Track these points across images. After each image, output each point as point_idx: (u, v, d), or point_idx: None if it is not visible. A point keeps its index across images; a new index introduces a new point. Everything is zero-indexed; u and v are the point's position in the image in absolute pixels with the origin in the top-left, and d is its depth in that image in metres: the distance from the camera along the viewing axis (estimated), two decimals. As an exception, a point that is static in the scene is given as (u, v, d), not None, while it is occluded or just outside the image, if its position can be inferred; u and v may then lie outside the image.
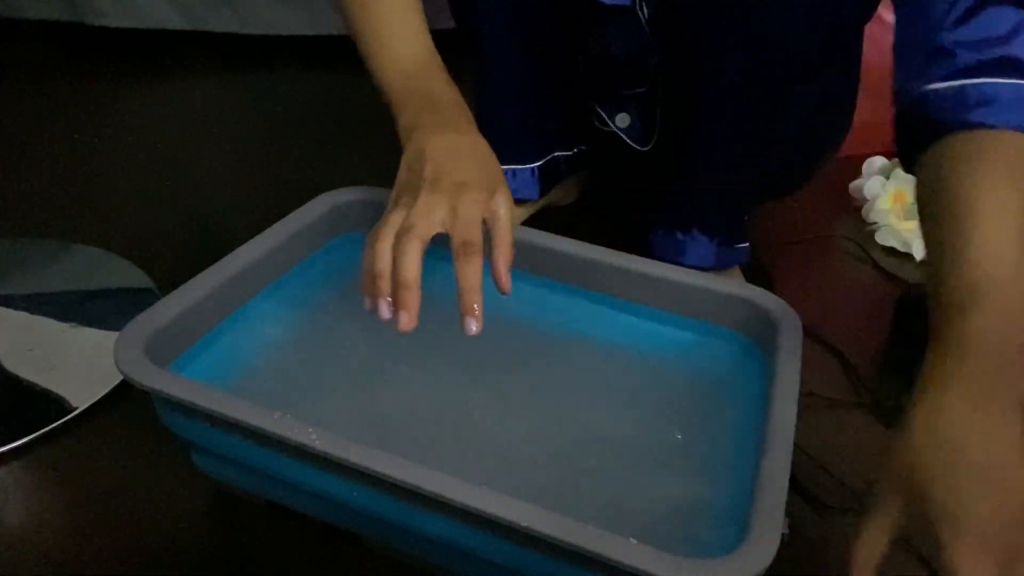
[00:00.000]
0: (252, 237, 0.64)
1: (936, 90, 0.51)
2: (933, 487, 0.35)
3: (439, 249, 0.71)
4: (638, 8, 0.73)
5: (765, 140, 0.73)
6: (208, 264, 0.60)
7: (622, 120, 0.83)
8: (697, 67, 0.71)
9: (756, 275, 0.87)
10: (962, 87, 0.50)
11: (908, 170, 0.54)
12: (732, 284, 0.64)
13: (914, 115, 0.53)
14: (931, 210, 0.47)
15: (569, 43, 0.79)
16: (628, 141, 0.84)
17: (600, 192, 1.04)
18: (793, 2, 0.63)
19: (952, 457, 0.35)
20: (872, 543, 0.37)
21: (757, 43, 0.66)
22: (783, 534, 0.42)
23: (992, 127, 0.47)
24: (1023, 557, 0.34)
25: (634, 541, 0.41)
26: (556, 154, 0.91)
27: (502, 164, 0.59)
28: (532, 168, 0.89)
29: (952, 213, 0.44)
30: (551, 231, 0.68)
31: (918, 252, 0.99)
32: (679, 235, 0.81)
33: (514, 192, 0.90)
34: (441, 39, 0.66)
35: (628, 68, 0.78)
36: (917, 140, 0.52)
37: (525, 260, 0.68)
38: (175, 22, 1.36)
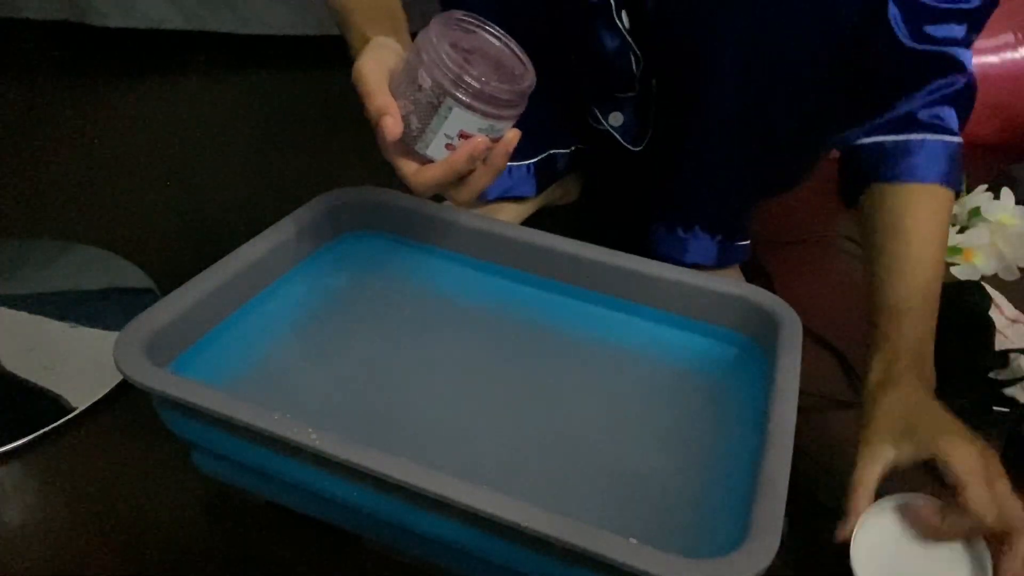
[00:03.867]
0: (252, 237, 0.64)
1: (863, 144, 0.65)
2: (920, 428, 0.52)
3: (441, 250, 0.71)
4: (616, 17, 0.73)
5: (764, 137, 0.73)
6: (208, 264, 0.60)
7: (615, 119, 0.83)
8: (690, 66, 0.71)
9: (756, 275, 0.87)
10: (882, 143, 0.64)
11: (849, 205, 0.68)
12: (732, 284, 0.64)
13: (851, 164, 0.67)
14: (874, 239, 0.62)
15: (561, 40, 0.79)
16: (620, 140, 0.84)
17: (601, 191, 1.04)
18: (790, 3, 0.63)
19: (927, 412, 0.53)
20: (869, 471, 0.51)
21: (755, 40, 0.66)
22: (783, 534, 0.43)
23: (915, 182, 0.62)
24: (996, 476, 0.49)
25: (634, 541, 0.41)
26: (552, 151, 0.91)
27: None
28: (528, 165, 0.89)
29: (893, 242, 0.61)
30: (551, 231, 0.68)
31: (918, 252, 0.98)
32: (680, 232, 0.81)
33: (511, 189, 0.90)
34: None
35: (616, 72, 0.78)
36: (855, 184, 0.66)
37: (526, 260, 0.68)
38: (175, 22, 1.36)
